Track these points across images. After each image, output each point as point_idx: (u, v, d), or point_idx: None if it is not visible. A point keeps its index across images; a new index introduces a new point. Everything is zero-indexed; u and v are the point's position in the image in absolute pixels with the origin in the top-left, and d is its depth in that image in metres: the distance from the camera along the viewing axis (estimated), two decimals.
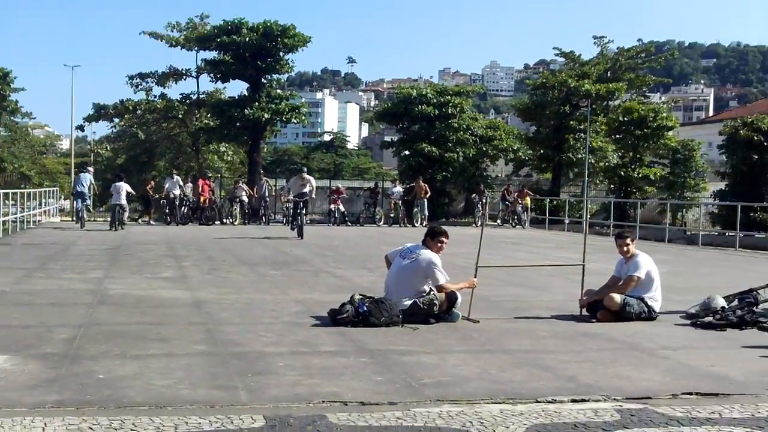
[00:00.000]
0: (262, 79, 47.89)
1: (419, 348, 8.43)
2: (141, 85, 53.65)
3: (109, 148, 63.76)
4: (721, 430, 5.58)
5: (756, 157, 38.70)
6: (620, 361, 8.00)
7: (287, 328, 9.47)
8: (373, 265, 16.71)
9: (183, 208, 36.33)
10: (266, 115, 45.76)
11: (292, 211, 28.53)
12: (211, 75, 48.94)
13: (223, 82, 49.59)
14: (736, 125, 40.22)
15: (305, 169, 29.08)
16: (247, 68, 46.72)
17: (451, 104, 47.17)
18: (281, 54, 47.30)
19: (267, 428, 5.44)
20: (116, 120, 56.75)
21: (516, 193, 41.78)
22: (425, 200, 38.58)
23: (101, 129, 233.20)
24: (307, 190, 26.61)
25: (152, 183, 38.20)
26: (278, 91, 49.80)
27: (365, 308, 9.68)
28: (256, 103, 45.88)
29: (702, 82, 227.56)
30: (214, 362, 7.60)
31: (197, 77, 53.74)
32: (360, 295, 10.13)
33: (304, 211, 27.14)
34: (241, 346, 8.39)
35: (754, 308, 10.59)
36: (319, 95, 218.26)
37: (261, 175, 42.99)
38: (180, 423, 5.55)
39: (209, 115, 51.45)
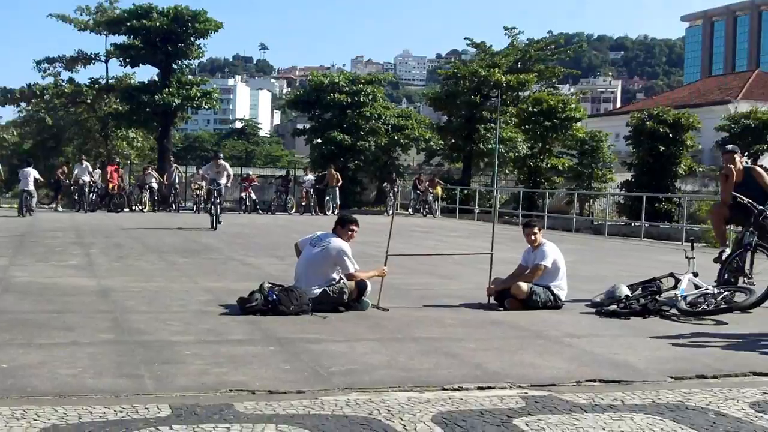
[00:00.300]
0: (173, 65, 47.32)
1: (328, 336, 8.44)
2: (49, 69, 52.50)
3: (15, 133, 62.27)
4: (623, 417, 5.68)
5: (662, 148, 39.45)
6: (526, 348, 8.11)
7: (195, 317, 9.40)
8: (283, 253, 16.64)
9: (92, 194, 35.76)
10: (177, 101, 45.21)
11: (204, 199, 27.32)
12: (121, 60, 48.06)
13: (132, 67, 48.80)
14: (642, 117, 40.95)
15: (221, 155, 27.35)
16: (157, 53, 46.10)
17: (363, 93, 47.19)
18: (192, 39, 46.79)
19: (173, 417, 5.39)
20: (23, 105, 55.53)
21: (427, 183, 42.02)
22: (337, 189, 38.59)
23: (7, 113, 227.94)
24: (223, 180, 25.16)
25: (65, 168, 37.54)
26: (189, 76, 49.23)
27: (275, 296, 9.65)
28: (167, 89, 45.29)
29: (610, 74, 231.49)
30: (120, 351, 7.50)
31: (106, 62, 52.78)
32: (269, 283, 10.09)
33: (218, 200, 25.06)
34: (148, 335, 8.29)
35: (657, 297, 10.83)
36: (230, 82, 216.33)
37: (172, 161, 42.45)
38: (84, 413, 5.46)
39: (118, 100, 50.58)
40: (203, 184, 25.66)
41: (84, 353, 7.33)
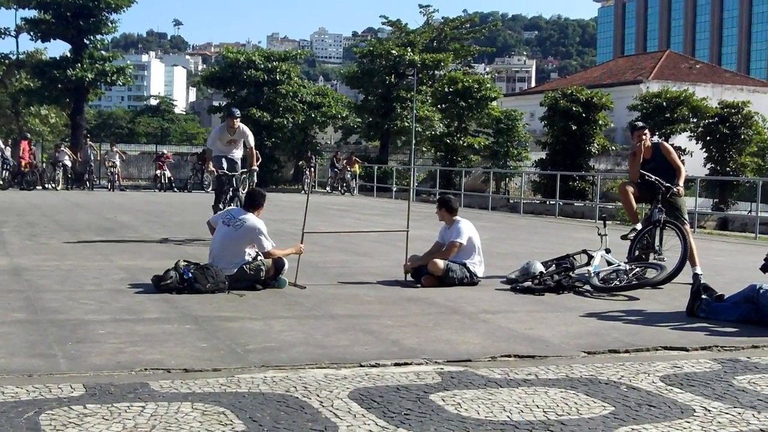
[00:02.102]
0: (85, 40, 46.48)
1: (245, 314, 8.40)
2: None
3: None
4: (537, 391, 5.76)
5: (574, 127, 39.99)
6: (442, 325, 8.17)
7: (110, 295, 9.27)
8: (199, 231, 16.50)
9: (3, 172, 35.04)
10: (89, 77, 44.46)
11: (216, 190, 15.69)
12: (31, 34, 46.97)
13: (43, 42, 47.80)
14: (556, 96, 41.42)
15: (237, 113, 15.47)
16: (68, 28, 45.21)
17: (279, 70, 46.93)
18: (104, 14, 45.97)
19: (87, 397, 5.32)
20: None
21: (345, 161, 42.06)
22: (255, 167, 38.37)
23: None
24: (238, 154, 15.34)
25: None
26: (102, 52, 48.38)
27: (190, 274, 9.56)
28: (79, 65, 44.48)
29: (525, 53, 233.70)
30: (32, 330, 7.36)
31: (16, 36, 51.47)
32: (185, 261, 9.99)
33: (237, 194, 14.98)
34: (62, 314, 8.15)
35: (571, 273, 11.00)
36: (144, 58, 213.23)
37: (87, 139, 41.73)
38: None
39: (29, 76, 49.54)
40: (211, 167, 15.05)
41: None
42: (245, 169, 15.74)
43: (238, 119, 15.25)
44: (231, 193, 14.98)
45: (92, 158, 38.83)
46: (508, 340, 7.54)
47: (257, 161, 34.20)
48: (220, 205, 14.73)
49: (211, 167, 15.18)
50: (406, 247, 11.25)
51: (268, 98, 46.32)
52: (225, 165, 15.10)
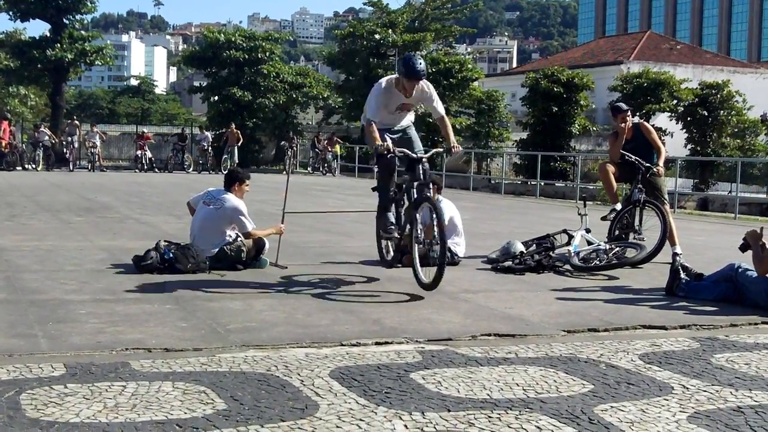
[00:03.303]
0: (64, 20, 46.14)
1: (226, 294, 8.40)
2: None
3: None
4: (517, 369, 5.79)
5: (555, 108, 40.07)
6: (423, 304, 8.19)
7: (90, 276, 9.25)
8: (181, 212, 16.42)
9: None
10: (69, 56, 44.20)
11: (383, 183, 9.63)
12: (10, 14, 46.61)
13: (23, 22, 47.44)
14: (537, 77, 41.47)
15: (419, 62, 9.07)
16: (47, 7, 44.89)
17: (260, 49, 46.77)
18: None
19: (68, 377, 5.31)
20: None
21: (326, 141, 42.00)
22: (236, 147, 38.33)
23: None
24: (406, 120, 9.97)
25: None
26: (81, 32, 48.05)
27: (171, 254, 9.55)
28: (58, 45, 44.20)
29: (506, 34, 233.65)
30: (12, 310, 7.34)
31: None
32: (165, 241, 9.97)
33: (429, 198, 8.90)
34: (42, 294, 8.13)
35: (551, 253, 11.05)
36: (125, 38, 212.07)
37: (74, 118, 41.47)
38: None
39: (8, 56, 49.20)
40: (387, 143, 9.11)
41: None
42: (432, 148, 11.67)
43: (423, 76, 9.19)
44: (419, 189, 8.96)
45: (78, 139, 38.60)
46: (488, 319, 7.57)
47: (239, 141, 32.53)
48: (391, 214, 9.27)
49: (379, 145, 8.93)
50: None
51: (249, 78, 46.18)
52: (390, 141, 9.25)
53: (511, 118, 49.21)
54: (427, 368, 5.77)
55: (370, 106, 9.38)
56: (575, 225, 11.83)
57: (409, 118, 9.95)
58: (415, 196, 8.90)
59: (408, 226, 9.09)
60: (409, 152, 9.24)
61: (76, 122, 40.26)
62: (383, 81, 9.37)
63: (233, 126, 39.35)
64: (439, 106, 9.59)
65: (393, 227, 9.17)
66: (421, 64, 8.99)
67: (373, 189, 9.74)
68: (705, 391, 5.38)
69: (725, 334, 7.22)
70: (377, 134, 9.08)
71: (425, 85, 9.38)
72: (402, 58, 9.35)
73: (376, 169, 10.48)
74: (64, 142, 38.04)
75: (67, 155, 37.32)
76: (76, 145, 38.39)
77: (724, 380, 5.65)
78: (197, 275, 9.40)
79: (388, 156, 9.04)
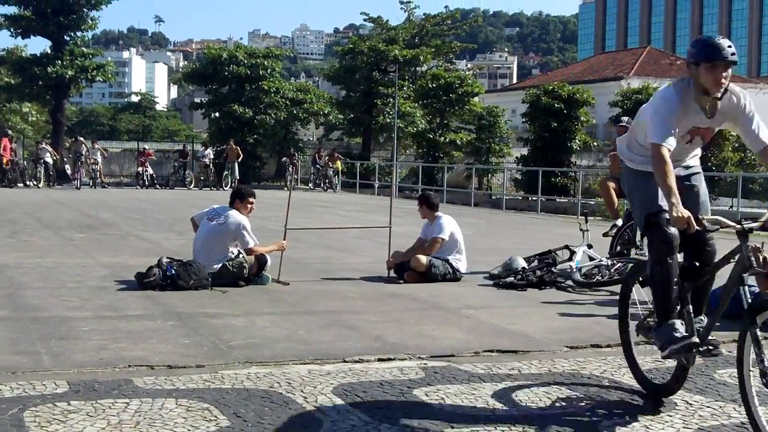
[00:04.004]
0: (65, 37, 46.20)
1: (228, 311, 8.40)
2: None
3: None
4: (520, 385, 5.80)
5: (556, 124, 40.08)
6: (425, 320, 8.19)
7: (92, 292, 9.25)
8: (182, 228, 16.46)
9: None
10: (70, 73, 44.24)
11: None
12: (11, 31, 46.69)
13: (23, 39, 47.47)
14: (537, 93, 41.47)
15: (727, 42, 5.29)
16: (48, 24, 44.94)
17: (261, 66, 46.88)
18: (84, 10, 45.70)
19: (71, 393, 5.32)
20: None
21: (327, 157, 42.02)
22: (236, 163, 38.41)
23: None
24: (693, 160, 6.02)
25: None
26: (82, 49, 48.12)
27: (173, 271, 9.55)
28: (59, 62, 44.27)
29: (506, 50, 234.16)
30: (15, 327, 7.34)
31: None
32: (168, 258, 9.98)
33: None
34: (44, 311, 8.14)
35: (553, 269, 11.04)
36: (125, 54, 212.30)
37: (77, 138, 41.53)
38: None
39: (9, 73, 49.29)
40: (682, 209, 5.17)
41: None
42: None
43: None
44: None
45: (84, 156, 38.55)
46: (491, 335, 7.56)
47: (239, 157, 32.08)
48: (679, 322, 5.60)
49: (676, 210, 5.13)
50: (389, 243, 11.27)
51: (250, 95, 46.25)
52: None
53: (512, 134, 49.24)
54: (430, 385, 5.77)
55: (655, 122, 5.39)
56: (577, 240, 11.83)
57: (697, 155, 6.04)
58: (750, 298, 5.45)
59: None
60: (732, 222, 5.49)
61: (81, 140, 40.27)
62: (672, 88, 5.47)
63: (232, 142, 39.44)
64: (764, 131, 5.42)
65: (686, 337, 5.37)
66: (730, 47, 5.27)
67: (642, 282, 6.21)
68: (708, 407, 5.38)
69: (728, 350, 7.21)
70: (673, 179, 5.23)
71: (739, 93, 5.44)
72: (695, 40, 5.49)
73: (644, 241, 6.93)
74: (69, 160, 38.00)
75: (75, 174, 37.26)
76: (82, 162, 38.35)
77: (727, 396, 5.65)
78: (200, 292, 9.41)
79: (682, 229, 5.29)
